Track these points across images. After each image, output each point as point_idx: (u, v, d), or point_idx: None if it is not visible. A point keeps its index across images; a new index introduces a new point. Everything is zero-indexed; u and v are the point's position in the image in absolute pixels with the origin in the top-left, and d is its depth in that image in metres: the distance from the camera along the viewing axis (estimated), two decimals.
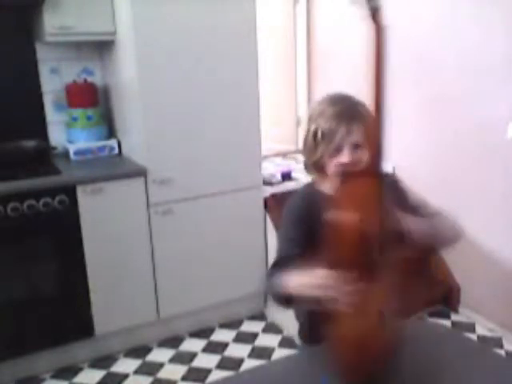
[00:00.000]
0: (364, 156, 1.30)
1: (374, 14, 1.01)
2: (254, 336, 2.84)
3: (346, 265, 1.10)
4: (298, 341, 1.55)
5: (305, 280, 1.15)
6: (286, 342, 2.75)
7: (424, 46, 2.89)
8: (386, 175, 1.23)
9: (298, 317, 1.54)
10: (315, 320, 1.26)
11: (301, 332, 1.54)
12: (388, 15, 1.01)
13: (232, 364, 2.59)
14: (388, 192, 1.15)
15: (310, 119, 1.37)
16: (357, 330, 1.15)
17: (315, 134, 1.33)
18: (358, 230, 1.09)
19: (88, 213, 2.48)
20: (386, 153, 1.10)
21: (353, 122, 1.29)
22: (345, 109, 1.32)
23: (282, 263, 1.29)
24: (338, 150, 1.31)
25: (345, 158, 1.30)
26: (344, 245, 1.11)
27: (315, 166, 1.38)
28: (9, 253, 2.37)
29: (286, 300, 1.26)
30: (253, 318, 3.01)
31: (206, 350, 2.73)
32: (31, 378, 2.52)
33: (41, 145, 2.79)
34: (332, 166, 1.33)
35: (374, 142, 1.12)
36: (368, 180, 1.15)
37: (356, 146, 1.30)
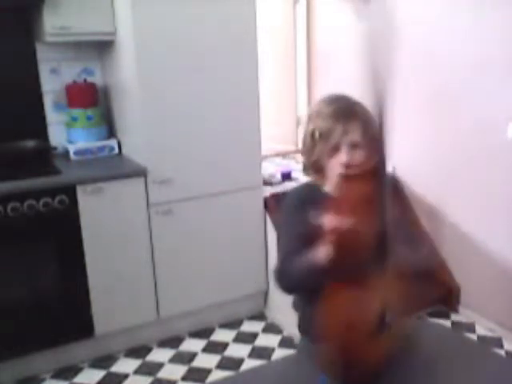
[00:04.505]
0: (362, 156, 1.30)
1: None
2: (254, 336, 2.84)
3: (340, 268, 1.09)
4: (298, 335, 1.54)
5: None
6: (285, 342, 2.74)
7: (424, 46, 2.89)
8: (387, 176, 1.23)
9: (296, 308, 1.52)
10: (313, 312, 1.25)
11: (300, 324, 1.52)
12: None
13: (232, 364, 2.59)
14: (388, 195, 1.15)
15: (308, 119, 1.38)
16: (353, 332, 1.15)
17: (313, 133, 1.34)
18: (352, 236, 1.08)
19: (88, 213, 2.48)
20: (388, 154, 1.10)
21: (350, 121, 1.29)
22: (342, 108, 1.32)
23: (290, 258, 1.28)
24: (335, 150, 1.31)
25: (343, 157, 1.29)
26: (338, 250, 1.10)
27: (314, 167, 1.39)
28: (9, 253, 2.37)
29: (296, 284, 1.28)
30: (253, 317, 3.01)
31: (206, 349, 2.73)
32: (31, 378, 2.52)
33: (41, 145, 2.80)
34: (331, 167, 1.33)
35: (377, 144, 1.12)
36: (369, 183, 1.14)
37: (354, 146, 1.30)
